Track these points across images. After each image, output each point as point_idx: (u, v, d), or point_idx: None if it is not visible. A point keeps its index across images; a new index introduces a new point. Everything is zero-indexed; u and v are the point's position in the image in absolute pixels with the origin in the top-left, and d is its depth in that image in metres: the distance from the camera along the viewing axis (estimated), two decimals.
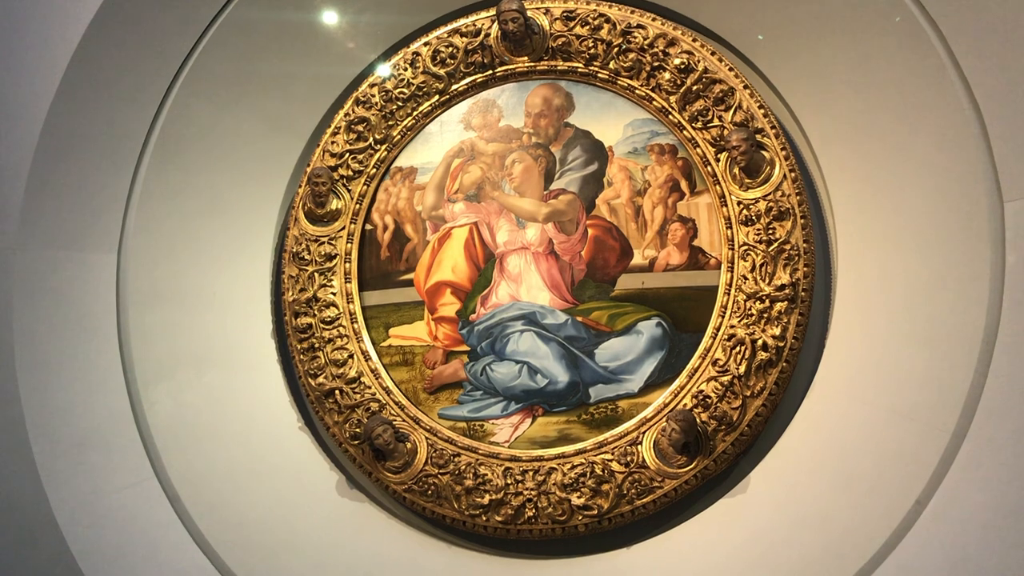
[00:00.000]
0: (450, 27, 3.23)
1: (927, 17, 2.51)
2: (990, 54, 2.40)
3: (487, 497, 2.91)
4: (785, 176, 2.80)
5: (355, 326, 3.19)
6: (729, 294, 2.81)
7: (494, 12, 3.12)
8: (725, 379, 2.76)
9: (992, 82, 2.40)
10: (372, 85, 3.29)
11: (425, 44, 3.25)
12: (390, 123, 3.27)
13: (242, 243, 3.41)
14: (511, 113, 3.18)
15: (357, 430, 3.09)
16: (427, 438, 3.03)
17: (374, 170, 3.29)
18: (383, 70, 3.30)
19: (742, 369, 2.74)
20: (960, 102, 2.45)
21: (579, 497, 2.83)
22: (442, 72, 3.22)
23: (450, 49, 3.21)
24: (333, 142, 3.31)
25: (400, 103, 3.25)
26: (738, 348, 2.76)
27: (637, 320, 2.92)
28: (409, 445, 3.03)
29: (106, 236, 3.17)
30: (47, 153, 3.00)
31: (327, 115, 3.44)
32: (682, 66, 2.94)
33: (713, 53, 2.95)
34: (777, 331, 2.73)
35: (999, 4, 2.38)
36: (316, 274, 3.25)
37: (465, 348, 3.10)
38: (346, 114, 3.31)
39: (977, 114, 2.42)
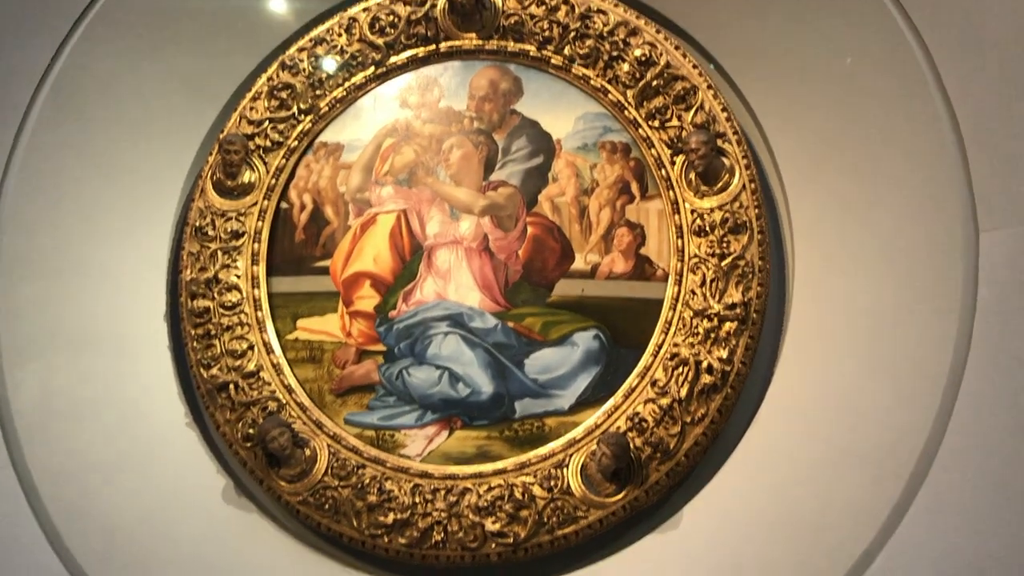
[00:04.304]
0: None
1: (912, 29, 2.35)
2: (975, 76, 2.24)
3: (391, 516, 2.59)
4: (744, 186, 2.58)
5: (259, 314, 2.85)
6: (675, 309, 2.57)
7: None
8: (664, 402, 2.51)
9: (975, 105, 2.24)
10: (301, 49, 2.97)
11: (364, 9, 2.94)
12: (318, 92, 2.95)
13: (139, 212, 3.03)
14: (453, 94, 2.89)
15: (251, 431, 2.74)
16: (329, 445, 2.70)
17: (296, 143, 2.95)
18: (315, 34, 2.98)
19: (683, 392, 2.49)
20: (940, 122, 2.29)
21: (494, 522, 2.53)
22: (380, 42, 2.92)
23: (391, 17, 2.91)
24: (252, 108, 2.96)
25: (331, 72, 2.94)
26: (681, 369, 2.51)
27: (573, 330, 2.65)
28: (308, 452, 2.69)
29: None
30: None
31: (248, 79, 3.09)
32: (643, 58, 2.70)
33: (677, 48, 2.72)
34: (724, 353, 2.49)
35: (988, 23, 2.23)
36: (219, 252, 2.89)
37: (381, 348, 2.78)
38: (269, 79, 2.97)
39: (957, 136, 2.27)
